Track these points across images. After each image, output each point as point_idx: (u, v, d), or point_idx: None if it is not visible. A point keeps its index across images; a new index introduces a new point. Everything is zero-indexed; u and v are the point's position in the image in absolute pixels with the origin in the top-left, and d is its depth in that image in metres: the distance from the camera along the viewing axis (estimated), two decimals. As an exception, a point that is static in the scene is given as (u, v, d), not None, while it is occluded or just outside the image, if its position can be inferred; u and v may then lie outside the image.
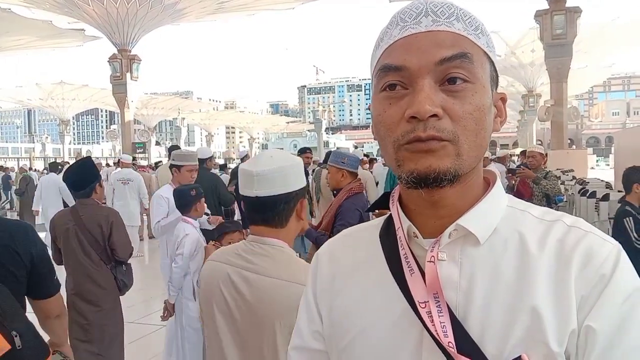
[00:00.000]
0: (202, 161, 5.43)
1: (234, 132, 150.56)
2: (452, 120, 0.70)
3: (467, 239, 0.75)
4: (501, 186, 0.81)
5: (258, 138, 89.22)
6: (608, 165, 36.62)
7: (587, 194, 5.91)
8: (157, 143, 59.21)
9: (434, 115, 0.69)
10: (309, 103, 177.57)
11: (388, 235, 0.83)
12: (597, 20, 26.82)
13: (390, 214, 0.84)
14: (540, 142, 30.24)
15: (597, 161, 45.36)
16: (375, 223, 0.89)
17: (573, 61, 19.79)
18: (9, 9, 25.15)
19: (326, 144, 48.94)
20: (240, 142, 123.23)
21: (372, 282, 0.81)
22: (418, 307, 0.72)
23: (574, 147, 29.67)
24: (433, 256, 0.74)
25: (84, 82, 44.19)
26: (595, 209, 4.80)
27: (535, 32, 20.78)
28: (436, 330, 0.70)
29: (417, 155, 0.71)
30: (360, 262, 0.85)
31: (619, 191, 6.02)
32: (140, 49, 26.31)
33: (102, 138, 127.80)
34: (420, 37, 0.72)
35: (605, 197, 5.36)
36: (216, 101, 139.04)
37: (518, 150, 23.88)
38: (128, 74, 25.47)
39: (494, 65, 0.77)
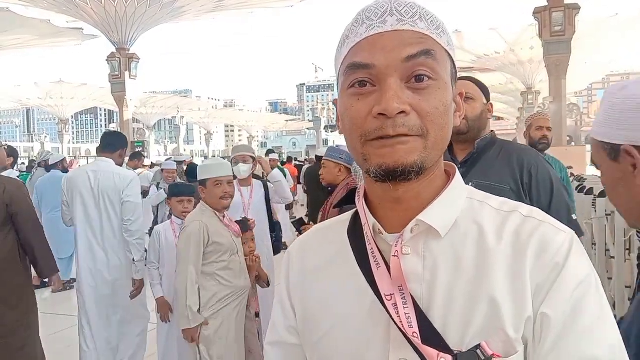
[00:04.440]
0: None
1: (233, 131, 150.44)
2: (419, 116, 0.73)
3: (429, 232, 0.78)
4: (461, 178, 0.84)
5: (257, 136, 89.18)
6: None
7: (585, 191, 5.92)
8: (157, 142, 59.15)
9: (402, 112, 0.72)
10: (308, 101, 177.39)
11: (355, 231, 0.85)
12: (595, 17, 26.76)
13: (357, 210, 0.86)
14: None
15: (596, 158, 45.15)
16: (344, 219, 0.91)
17: (572, 58, 19.79)
18: (7, 8, 25.12)
19: (325, 141, 49.00)
20: (240, 140, 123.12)
21: (341, 277, 0.84)
22: (384, 299, 0.75)
23: (573, 144, 29.67)
24: (397, 251, 0.77)
25: (82, 81, 44.43)
26: (593, 205, 4.80)
27: (534, 29, 20.79)
28: (401, 322, 0.73)
29: (385, 150, 0.73)
30: (330, 257, 0.88)
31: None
32: (138, 47, 26.37)
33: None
34: (386, 36, 0.74)
35: (602, 194, 5.37)
36: (215, 100, 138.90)
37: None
38: (127, 73, 25.45)
39: (454, 62, 0.81)
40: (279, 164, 9.24)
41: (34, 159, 17.84)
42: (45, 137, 56.05)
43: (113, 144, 4.25)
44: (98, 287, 4.04)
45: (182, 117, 41.46)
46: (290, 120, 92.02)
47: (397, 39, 0.74)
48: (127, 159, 8.30)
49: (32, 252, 3.52)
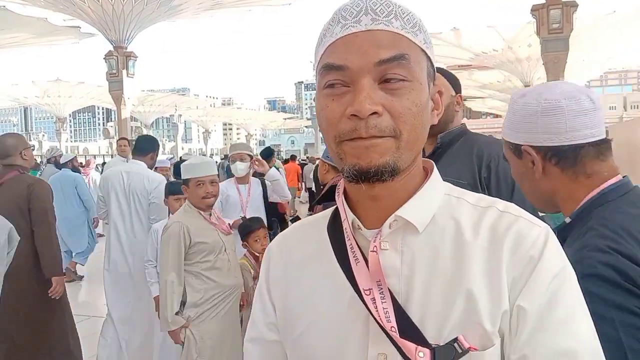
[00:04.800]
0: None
1: (231, 129, 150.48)
2: (392, 116, 0.74)
3: (407, 228, 0.80)
4: (439, 175, 0.86)
5: (255, 134, 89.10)
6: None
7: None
8: (154, 140, 58.90)
9: (375, 113, 0.72)
10: (306, 99, 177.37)
11: (335, 227, 0.87)
12: (593, 14, 26.74)
13: (337, 206, 0.88)
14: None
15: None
16: (325, 215, 0.92)
17: (569, 55, 19.77)
18: (4, 6, 25.03)
19: (323, 140, 48.87)
20: (238, 138, 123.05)
21: (321, 272, 0.85)
22: (363, 294, 0.77)
23: (571, 141, 29.56)
24: (375, 246, 0.78)
25: (80, 80, 44.16)
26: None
27: (532, 26, 20.75)
28: (379, 316, 0.74)
29: (359, 150, 0.74)
30: (310, 253, 0.89)
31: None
32: (136, 46, 26.19)
33: (99, 135, 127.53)
34: (360, 36, 0.74)
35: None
36: (213, 98, 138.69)
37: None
38: (124, 71, 25.36)
39: (431, 60, 0.81)
40: (276, 162, 9.21)
41: (42, 156, 17.80)
42: (43, 135, 55.93)
43: (145, 147, 4.76)
44: (124, 276, 4.49)
45: (180, 115, 41.40)
46: (288, 118, 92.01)
47: (370, 39, 0.74)
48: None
49: (39, 249, 3.76)
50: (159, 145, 5.02)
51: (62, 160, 8.36)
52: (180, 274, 3.20)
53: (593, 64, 36.47)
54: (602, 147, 1.25)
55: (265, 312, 0.92)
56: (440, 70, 2.27)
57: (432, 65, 0.82)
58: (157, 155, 4.96)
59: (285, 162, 18.67)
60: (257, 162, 4.72)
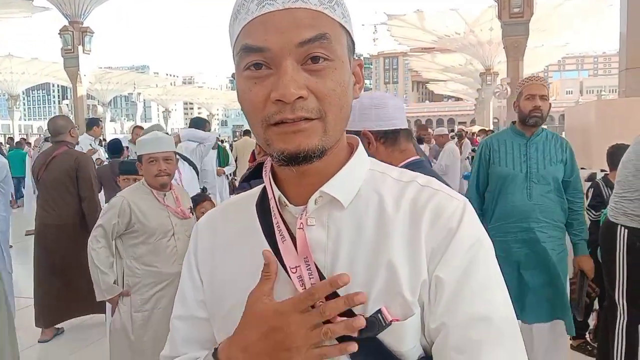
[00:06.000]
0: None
1: (192, 108, 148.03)
2: (317, 98, 0.73)
3: (333, 203, 0.81)
4: (364, 151, 0.87)
5: (217, 114, 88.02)
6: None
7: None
8: (113, 119, 57.65)
9: (300, 97, 0.71)
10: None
11: (263, 205, 0.86)
12: (553, 0, 27.20)
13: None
14: (497, 120, 30.79)
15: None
16: (253, 193, 0.92)
17: (529, 40, 20.10)
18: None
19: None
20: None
21: (249, 251, 0.84)
22: (289, 272, 0.78)
23: (528, 124, 30.20)
24: (302, 223, 0.79)
25: (33, 56, 42.39)
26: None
27: (494, 10, 20.99)
28: None
29: (286, 135, 0.73)
30: (238, 232, 0.89)
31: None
32: (92, 21, 25.33)
33: (54, 113, 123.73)
34: (278, 15, 0.72)
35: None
36: (174, 76, 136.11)
37: (476, 128, 24.23)
38: (80, 47, 24.53)
39: (350, 34, 0.80)
40: (219, 143, 8.97)
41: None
42: (-5, 113, 53.84)
43: (196, 127, 5.75)
44: None
45: (139, 93, 40.46)
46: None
47: (289, 18, 0.71)
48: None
49: (85, 209, 4.71)
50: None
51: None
52: (110, 245, 3.11)
53: (552, 49, 37.27)
54: (408, 132, 1.82)
55: (195, 288, 0.92)
56: None
57: (352, 39, 0.80)
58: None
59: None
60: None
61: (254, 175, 0.92)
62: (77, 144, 5.31)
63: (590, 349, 4.01)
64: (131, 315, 3.07)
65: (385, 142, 1.79)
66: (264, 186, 0.88)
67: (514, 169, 3.10)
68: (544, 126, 3.24)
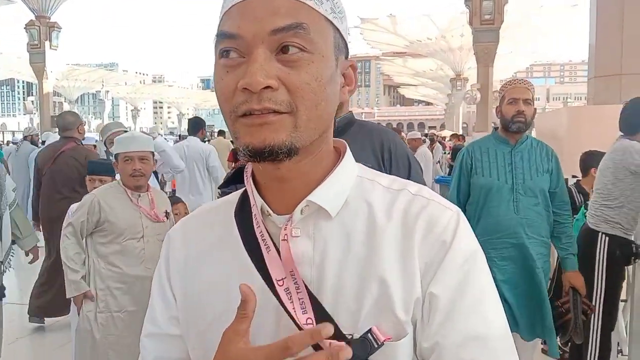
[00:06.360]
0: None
1: (161, 107, 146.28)
2: (288, 91, 0.68)
3: (319, 213, 0.75)
4: (351, 156, 0.82)
5: (187, 114, 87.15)
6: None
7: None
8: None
9: (268, 87, 0.66)
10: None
11: (243, 213, 0.80)
12: (522, 8, 27.75)
13: (245, 190, 0.82)
14: (465, 125, 31.22)
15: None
16: (231, 199, 0.86)
17: (499, 47, 20.45)
18: None
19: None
20: (169, 117, 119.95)
21: (227, 262, 0.79)
22: (276, 285, 0.72)
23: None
24: (286, 234, 0.73)
25: (-3, 50, 41.19)
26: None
27: (465, 16, 21.27)
28: (294, 308, 0.70)
29: (252, 128, 0.68)
30: (215, 241, 0.82)
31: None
32: (60, 16, 24.72)
33: (19, 110, 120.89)
34: (255, 2, 0.69)
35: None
36: (143, 74, 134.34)
37: (446, 133, 24.52)
38: (47, 43, 23.93)
39: (340, 32, 0.75)
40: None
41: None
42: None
43: (194, 127, 6.29)
44: None
45: (107, 91, 39.60)
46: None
47: (266, 6, 0.68)
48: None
49: None
50: (204, 124, 6.69)
51: (47, 141, 8.04)
52: (80, 242, 3.07)
53: (520, 56, 37.99)
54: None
55: (166, 304, 0.85)
56: None
57: (343, 37, 0.76)
58: (205, 132, 6.77)
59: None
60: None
61: (233, 181, 0.86)
62: (84, 139, 5.44)
63: (561, 352, 4.05)
64: (96, 315, 3.02)
65: None
66: (243, 192, 0.83)
67: (499, 180, 2.88)
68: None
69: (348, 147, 0.82)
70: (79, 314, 3.10)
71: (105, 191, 3.13)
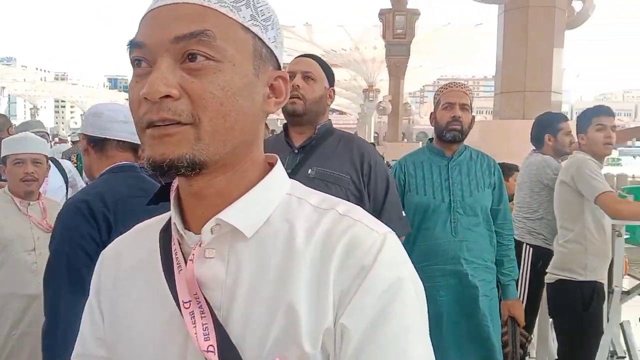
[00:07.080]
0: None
1: (64, 106, 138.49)
2: (191, 101, 0.64)
3: (235, 233, 0.70)
4: (282, 171, 0.76)
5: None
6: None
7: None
8: (-30, 113, 52.35)
9: (168, 96, 0.63)
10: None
11: (167, 231, 0.76)
12: (431, 24, 28.99)
13: None
14: (377, 135, 32.06)
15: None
16: (165, 217, 0.80)
17: (410, 60, 21.24)
18: None
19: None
20: (72, 117, 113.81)
21: (146, 282, 0.76)
22: (182, 307, 0.68)
23: (405, 140, 31.88)
24: (193, 254, 0.69)
25: None
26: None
27: (378, 29, 21.92)
28: (196, 333, 0.66)
29: (154, 141, 0.65)
30: (141, 260, 0.79)
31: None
32: (-50, 3, 22.69)
33: None
34: (163, 10, 0.66)
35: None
36: (45, 71, 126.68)
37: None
38: None
39: (264, 41, 0.71)
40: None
41: None
42: None
43: None
44: None
45: (4, 87, 37.07)
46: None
47: (172, 13, 0.65)
48: None
49: None
50: None
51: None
52: None
53: (429, 70, 39.64)
54: (126, 143, 1.87)
55: (93, 324, 0.81)
56: (318, 60, 2.22)
57: (267, 46, 0.71)
58: None
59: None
60: None
61: (160, 196, 0.77)
62: None
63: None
64: None
65: (95, 147, 1.88)
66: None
67: (435, 198, 2.53)
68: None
69: (279, 162, 0.77)
70: None
71: None
